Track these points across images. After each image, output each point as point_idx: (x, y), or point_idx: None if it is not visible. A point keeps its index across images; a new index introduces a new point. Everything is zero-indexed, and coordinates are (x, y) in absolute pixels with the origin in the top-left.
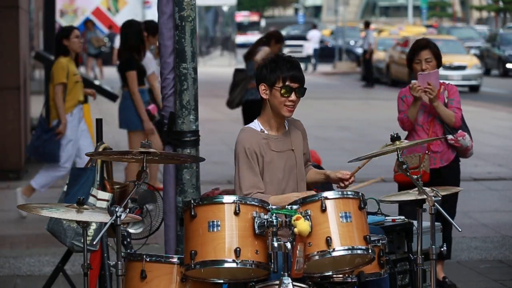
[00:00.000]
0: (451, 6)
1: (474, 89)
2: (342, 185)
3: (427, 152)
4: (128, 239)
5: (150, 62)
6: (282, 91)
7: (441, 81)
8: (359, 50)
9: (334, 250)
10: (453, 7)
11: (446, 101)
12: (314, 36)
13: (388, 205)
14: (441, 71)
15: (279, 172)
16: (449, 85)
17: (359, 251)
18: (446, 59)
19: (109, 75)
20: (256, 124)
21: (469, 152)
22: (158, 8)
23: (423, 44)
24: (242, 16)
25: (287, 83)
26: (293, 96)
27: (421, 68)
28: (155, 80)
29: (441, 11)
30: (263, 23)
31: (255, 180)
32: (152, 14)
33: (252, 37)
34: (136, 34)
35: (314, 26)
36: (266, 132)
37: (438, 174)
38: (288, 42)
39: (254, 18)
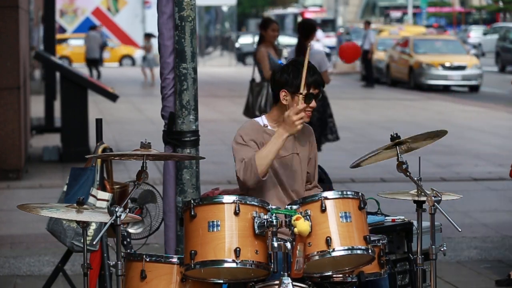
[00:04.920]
0: (451, 6)
1: (474, 89)
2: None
3: None
4: (128, 239)
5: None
6: (306, 99)
7: None
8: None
9: (334, 250)
10: (453, 7)
11: None
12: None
13: (388, 205)
14: (441, 71)
15: (282, 171)
16: None
17: (359, 251)
18: (446, 59)
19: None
20: (261, 119)
21: None
22: (158, 8)
23: None
24: (312, 13)
25: (311, 90)
26: (313, 103)
27: None
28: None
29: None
30: (339, 21)
31: (248, 152)
32: (152, 14)
33: (327, 39)
34: None
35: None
36: (270, 128)
37: None
38: None
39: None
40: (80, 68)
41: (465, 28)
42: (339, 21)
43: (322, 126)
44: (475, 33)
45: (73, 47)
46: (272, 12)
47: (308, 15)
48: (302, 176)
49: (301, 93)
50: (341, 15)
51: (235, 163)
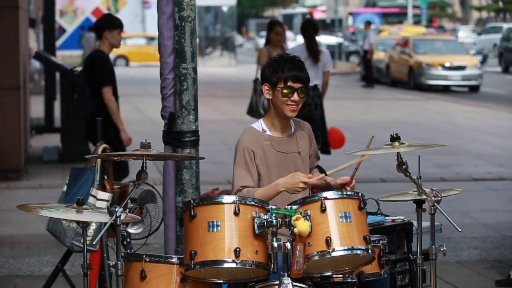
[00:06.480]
0: (450, 6)
1: (474, 89)
2: (348, 188)
3: None
4: (128, 239)
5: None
6: (284, 92)
7: None
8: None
9: (333, 250)
10: (453, 7)
11: None
12: None
13: (388, 205)
14: (441, 71)
15: (283, 174)
16: None
17: (358, 251)
18: (446, 59)
19: None
20: (259, 124)
21: None
22: (158, 8)
23: None
24: (321, 12)
25: (289, 84)
26: (295, 96)
27: None
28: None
29: (441, 11)
30: (350, 21)
31: (246, 178)
32: (152, 14)
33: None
34: None
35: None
36: (268, 132)
37: None
38: None
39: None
40: (136, 68)
41: (454, 28)
42: (349, 20)
43: (322, 124)
44: (464, 33)
45: (130, 46)
46: (280, 12)
47: (317, 15)
48: (305, 173)
49: (280, 87)
50: (341, 15)
51: (234, 173)
